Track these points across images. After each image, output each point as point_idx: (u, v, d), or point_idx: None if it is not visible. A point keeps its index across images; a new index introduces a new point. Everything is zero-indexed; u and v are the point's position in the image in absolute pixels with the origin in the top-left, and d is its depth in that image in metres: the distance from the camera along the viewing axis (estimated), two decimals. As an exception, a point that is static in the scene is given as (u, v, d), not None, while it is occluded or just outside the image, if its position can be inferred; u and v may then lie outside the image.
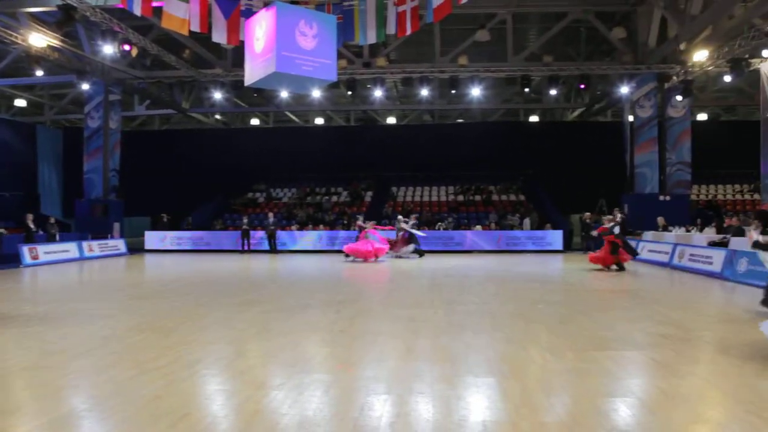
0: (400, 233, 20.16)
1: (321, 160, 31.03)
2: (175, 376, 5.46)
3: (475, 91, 23.28)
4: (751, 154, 21.89)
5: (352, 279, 13.92)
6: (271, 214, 24.01)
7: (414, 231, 20.20)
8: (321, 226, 25.02)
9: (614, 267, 15.28)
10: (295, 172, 31.34)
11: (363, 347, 6.66)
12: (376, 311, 9.19)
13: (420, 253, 20.17)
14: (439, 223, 24.67)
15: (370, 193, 29.81)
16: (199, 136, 33.38)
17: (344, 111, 34.53)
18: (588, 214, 22.79)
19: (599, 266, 15.51)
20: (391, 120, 34.23)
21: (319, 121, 35.07)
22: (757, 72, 21.02)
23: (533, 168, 29.85)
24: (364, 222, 20.46)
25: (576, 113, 32.20)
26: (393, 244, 20.00)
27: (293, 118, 34.51)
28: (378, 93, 23.82)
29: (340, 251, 23.37)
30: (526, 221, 24.50)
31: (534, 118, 33.89)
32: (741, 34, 19.46)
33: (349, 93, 24.09)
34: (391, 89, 30.66)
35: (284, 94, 26.93)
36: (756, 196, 25.65)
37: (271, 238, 23.18)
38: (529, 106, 32.64)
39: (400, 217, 21.40)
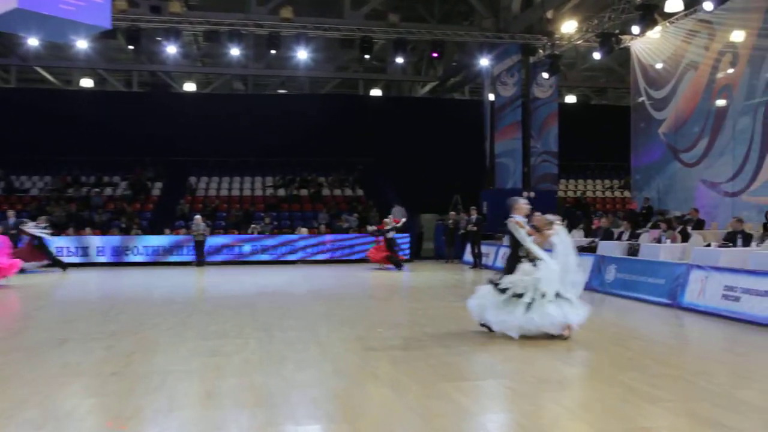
0: (27, 238, 19.66)
1: (89, 137, 29.11)
2: None
3: (302, 54, 23.46)
4: (623, 144, 24.67)
5: (133, 301, 13.24)
6: (11, 213, 22.11)
7: (38, 233, 19.70)
8: (88, 230, 23.59)
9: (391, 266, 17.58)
10: (50, 153, 29.07)
11: (145, 394, 6.31)
12: (163, 344, 8.81)
13: (61, 266, 19.91)
14: (253, 225, 24.47)
15: (159, 185, 28.67)
16: None
17: (124, 71, 32.70)
18: (453, 213, 24.06)
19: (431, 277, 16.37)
20: (190, 87, 33.26)
21: (87, 83, 32.94)
22: (628, 50, 23.78)
23: (374, 155, 30.78)
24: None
25: (427, 88, 33.85)
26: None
27: (47, 76, 32.07)
28: (172, 50, 22.98)
29: (120, 263, 22.23)
30: (351, 220, 25.18)
31: (376, 92, 34.99)
32: (611, 5, 21.86)
33: (131, 48, 22.98)
34: (190, 46, 29.70)
35: (34, 42, 24.84)
36: (627, 194, 28.96)
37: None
38: (370, 77, 33.63)
39: (27, 221, 20.50)
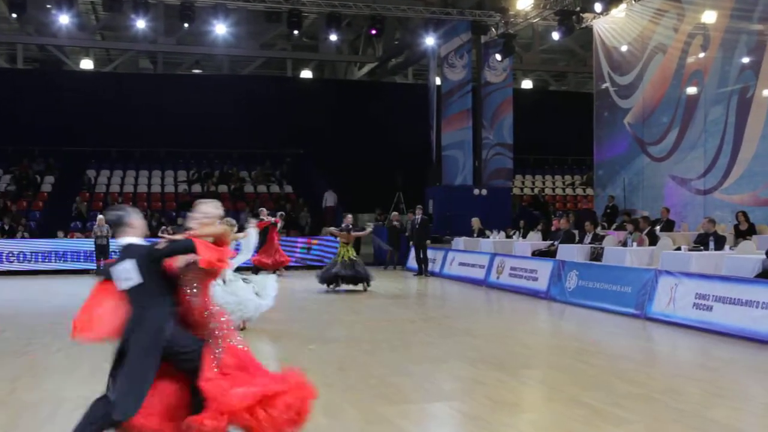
0: None
1: (-36, 123, 28.18)
2: None
3: (221, 29, 23.20)
4: (585, 136, 25.16)
5: (18, 316, 12.86)
6: None
7: None
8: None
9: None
10: None
11: (33, 427, 6.20)
12: (55, 367, 8.58)
13: None
14: (164, 227, 24.03)
15: (50, 179, 27.92)
16: None
17: (6, 44, 31.67)
18: (396, 214, 24.14)
19: (353, 287, 16.34)
20: (87, 64, 32.51)
21: (-39, 58, 31.84)
22: (590, 31, 24.28)
23: (304, 146, 30.65)
24: None
25: (365, 70, 33.89)
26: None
27: None
28: (64, 20, 22.42)
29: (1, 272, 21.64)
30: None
31: (307, 74, 34.86)
32: (571, -21, 22.33)
33: (14, 16, 22.33)
34: (86, 15, 29.03)
35: None
36: (589, 191, 29.59)
37: None
38: (300, 56, 33.47)
39: None
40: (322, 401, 6.86)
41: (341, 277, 16.25)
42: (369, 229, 18.53)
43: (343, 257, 16.28)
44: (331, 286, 16.40)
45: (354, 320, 12.31)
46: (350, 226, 16.99)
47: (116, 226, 5.17)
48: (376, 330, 11.11)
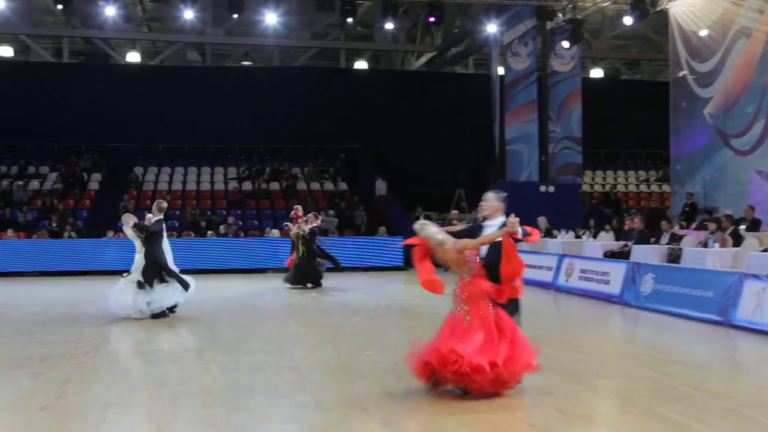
0: None
1: (10, 119, 28.93)
2: None
3: (271, 18, 23.47)
4: (661, 128, 24.72)
5: (67, 318, 13.14)
6: None
7: None
8: (10, 232, 23.46)
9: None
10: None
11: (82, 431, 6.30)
12: (104, 371, 8.75)
13: None
14: (210, 232, 24.38)
15: (97, 177, 28.53)
16: None
17: (52, 38, 32.45)
18: (456, 212, 24.06)
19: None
20: (134, 57, 33.08)
21: (6, 52, 32.67)
22: (665, 14, 23.84)
23: (359, 141, 30.75)
24: None
25: (423, 60, 33.84)
26: None
27: (-43, 44, 31.84)
28: (110, 11, 22.93)
29: (50, 272, 22.12)
30: (330, 222, 25.15)
31: (362, 65, 34.95)
32: (645, -42, 21.95)
33: (60, 8, 22.83)
34: (133, 7, 29.57)
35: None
36: (665, 188, 29.09)
37: None
38: (354, 46, 33.55)
39: None
40: (380, 410, 6.90)
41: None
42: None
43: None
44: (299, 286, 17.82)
45: (412, 325, 12.29)
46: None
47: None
48: (434, 335, 11.08)
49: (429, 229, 7.59)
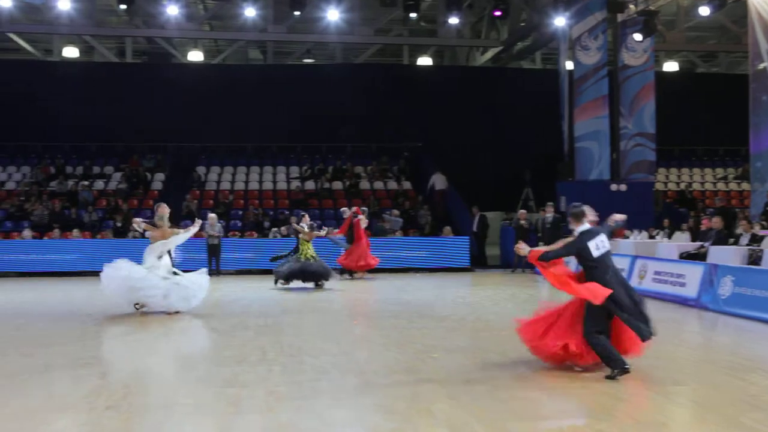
0: None
1: (75, 119, 29.62)
2: None
3: (333, 15, 23.56)
4: (739, 123, 24.17)
5: (126, 320, 13.39)
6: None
7: None
8: (76, 231, 23.98)
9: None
10: (30, 138, 29.67)
11: (147, 431, 6.40)
12: (167, 372, 8.88)
13: None
14: (274, 229, 24.56)
15: (160, 177, 29.00)
16: None
17: (116, 38, 33.13)
18: (523, 212, 23.91)
19: None
20: (196, 56, 33.59)
21: (72, 53, 33.42)
22: (744, 4, 23.29)
23: (423, 139, 30.70)
24: None
25: (489, 55, 33.64)
26: None
27: (24, 45, 32.66)
28: (173, 11, 23.28)
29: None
30: (394, 221, 25.10)
31: (425, 61, 34.90)
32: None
33: (123, 7, 23.26)
34: (195, 5, 30.00)
35: (6, 3, 25.38)
36: (744, 186, 28.41)
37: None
38: (417, 41, 33.52)
39: None
40: (446, 415, 6.87)
41: (302, 273, 17.99)
42: (324, 231, 20.03)
43: (306, 255, 18.02)
44: (286, 283, 18.17)
45: (479, 327, 12.23)
46: (313, 225, 19.01)
47: (578, 215, 8.40)
48: (504, 339, 10.99)
49: None
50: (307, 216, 19.08)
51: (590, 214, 8.59)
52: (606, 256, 8.28)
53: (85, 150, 30.05)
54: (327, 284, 18.27)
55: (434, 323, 12.76)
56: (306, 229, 18.33)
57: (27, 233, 23.89)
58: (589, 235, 8.30)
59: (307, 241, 18.25)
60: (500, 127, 30.26)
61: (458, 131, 30.57)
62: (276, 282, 18.42)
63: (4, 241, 23.18)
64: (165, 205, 14.16)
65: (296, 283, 18.14)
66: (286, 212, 25.86)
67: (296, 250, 18.47)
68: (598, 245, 8.23)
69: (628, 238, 20.25)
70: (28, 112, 29.27)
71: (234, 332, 11.72)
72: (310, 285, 18.19)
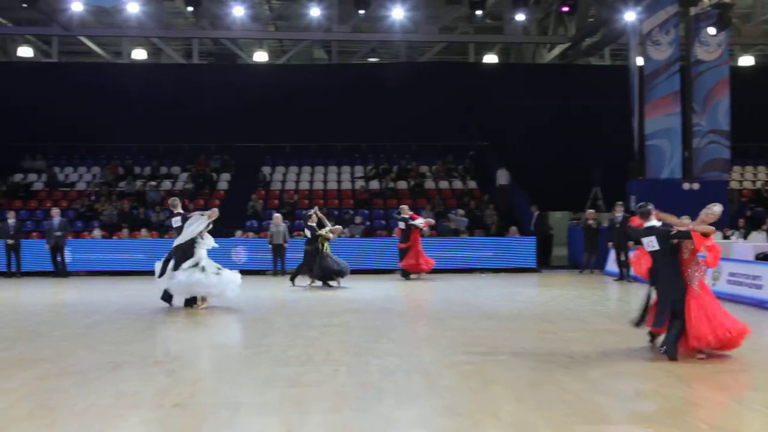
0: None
1: (143, 120, 30.25)
2: None
3: (398, 13, 23.58)
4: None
5: (192, 320, 13.62)
6: (56, 212, 23.22)
7: None
8: (144, 231, 24.45)
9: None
10: (99, 139, 30.37)
11: (212, 431, 6.49)
12: (233, 371, 9.02)
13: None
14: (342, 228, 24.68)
15: (226, 177, 29.39)
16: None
17: (182, 40, 33.74)
18: (592, 212, 23.70)
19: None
20: (261, 56, 33.96)
21: (140, 54, 34.16)
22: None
23: (489, 138, 30.56)
24: None
25: (556, 51, 33.33)
26: None
27: (94, 47, 33.46)
28: (238, 11, 23.55)
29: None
30: (460, 221, 25.00)
31: (491, 58, 34.73)
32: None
33: (190, 9, 23.60)
34: (260, 6, 30.33)
35: (77, 7, 25.98)
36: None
37: (57, 251, 22.61)
38: (483, 39, 33.38)
39: None
40: (512, 416, 6.85)
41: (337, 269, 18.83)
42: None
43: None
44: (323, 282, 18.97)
45: (545, 329, 12.14)
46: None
47: (645, 214, 9.77)
48: (571, 341, 10.91)
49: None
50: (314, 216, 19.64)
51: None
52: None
53: (153, 150, 30.65)
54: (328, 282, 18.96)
55: (500, 324, 12.70)
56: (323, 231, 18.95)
57: (97, 233, 24.49)
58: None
59: (327, 240, 18.87)
60: (568, 125, 29.98)
61: (525, 130, 30.37)
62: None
63: (74, 240, 23.77)
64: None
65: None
66: (351, 212, 26.00)
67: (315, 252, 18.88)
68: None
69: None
70: (98, 113, 30.00)
71: (298, 332, 11.83)
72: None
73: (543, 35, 32.67)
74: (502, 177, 27.54)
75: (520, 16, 24.24)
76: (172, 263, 14.73)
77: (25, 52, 33.96)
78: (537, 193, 26.84)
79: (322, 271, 18.70)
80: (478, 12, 23.76)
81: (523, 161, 29.02)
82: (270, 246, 22.53)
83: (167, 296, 14.88)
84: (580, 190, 28.18)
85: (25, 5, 22.67)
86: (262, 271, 22.69)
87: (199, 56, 34.41)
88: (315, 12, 23.38)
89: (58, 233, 22.54)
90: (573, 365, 9.15)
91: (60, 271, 22.56)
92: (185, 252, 14.66)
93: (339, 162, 30.73)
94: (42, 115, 30.17)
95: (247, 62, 33.80)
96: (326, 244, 18.76)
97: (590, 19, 29.59)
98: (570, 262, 25.19)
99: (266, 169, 29.98)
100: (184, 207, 25.94)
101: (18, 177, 29.08)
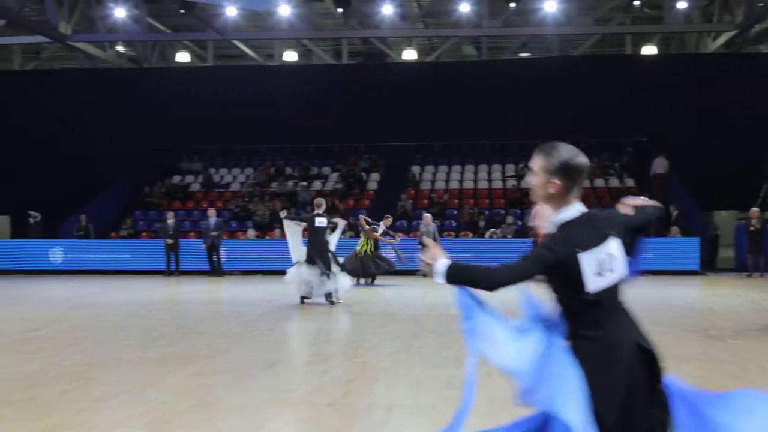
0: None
1: (294, 121, 31.00)
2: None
3: (550, 6, 23.24)
4: None
5: (345, 318, 13.85)
6: (212, 213, 24.08)
7: None
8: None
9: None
10: (252, 141, 31.36)
11: (366, 431, 6.58)
12: (386, 371, 9.10)
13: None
14: (492, 230, 24.60)
15: (375, 177, 29.76)
16: (89, 80, 33.39)
17: (332, 40, 34.39)
18: (756, 210, 22.77)
19: None
20: (410, 54, 34.20)
21: (291, 56, 35.03)
22: None
23: (647, 133, 29.72)
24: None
25: (721, 40, 32.05)
26: None
27: (247, 51, 34.55)
28: (388, 10, 23.78)
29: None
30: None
31: (650, 49, 33.75)
32: None
33: (340, 10, 23.99)
34: (409, 3, 30.54)
35: (231, 12, 26.92)
36: None
37: (213, 251, 23.50)
38: (641, 30, 32.46)
39: None
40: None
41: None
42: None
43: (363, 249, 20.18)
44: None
45: (714, 336, 11.70)
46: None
47: None
48: (741, 349, 10.47)
49: None
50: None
51: None
52: None
53: (303, 151, 31.38)
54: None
55: (662, 330, 12.30)
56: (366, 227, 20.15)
57: (251, 233, 25.32)
58: None
59: (368, 239, 20.09)
60: (734, 118, 28.75)
61: (687, 124, 29.33)
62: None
63: (229, 240, 24.62)
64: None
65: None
66: (502, 212, 25.84)
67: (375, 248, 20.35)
68: None
69: None
70: (252, 115, 30.93)
71: (450, 334, 11.81)
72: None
73: (707, 23, 31.42)
74: (660, 165, 26.66)
75: (681, 4, 23.50)
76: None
77: (182, 57, 35.45)
78: (702, 191, 25.94)
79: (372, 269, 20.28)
80: (636, 1, 23.13)
81: (686, 158, 28.00)
82: (419, 246, 22.63)
83: (328, 295, 15.66)
84: (749, 187, 27.01)
85: (182, 11, 23.65)
86: (413, 271, 22.82)
87: (348, 56, 34.97)
88: (464, 8, 23.38)
89: (215, 233, 23.44)
90: (743, 375, 8.76)
91: (216, 270, 23.45)
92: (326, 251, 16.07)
93: (489, 160, 30.58)
94: (199, 117, 31.35)
95: (396, 60, 34.10)
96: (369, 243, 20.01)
97: (760, 4, 28.30)
98: (737, 265, 24.23)
99: (416, 169, 30.15)
100: (333, 207, 26.75)
101: (176, 178, 30.41)
